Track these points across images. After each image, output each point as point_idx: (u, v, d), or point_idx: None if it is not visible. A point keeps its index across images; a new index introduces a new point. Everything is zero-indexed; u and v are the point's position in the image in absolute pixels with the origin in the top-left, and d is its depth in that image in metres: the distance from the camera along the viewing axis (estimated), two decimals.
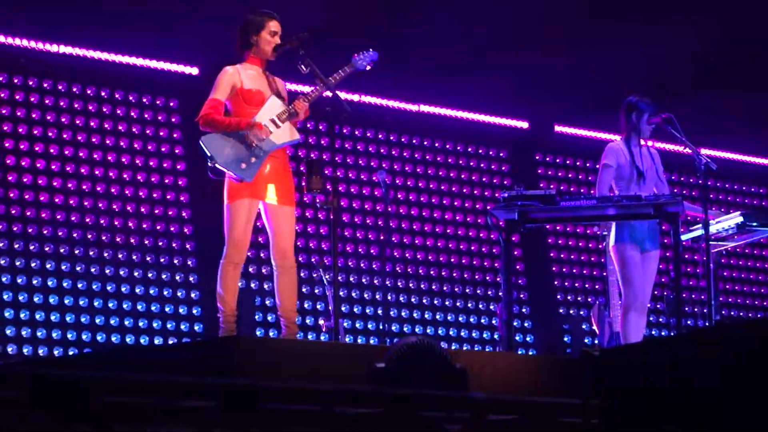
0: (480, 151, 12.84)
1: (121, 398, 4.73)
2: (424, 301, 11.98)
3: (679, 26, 11.08)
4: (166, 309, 10.67)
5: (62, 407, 4.53)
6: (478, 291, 12.29)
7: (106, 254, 10.48)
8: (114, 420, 4.52)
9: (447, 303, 12.09)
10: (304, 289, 11.09)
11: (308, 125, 11.29)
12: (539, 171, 13.14)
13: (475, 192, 12.65)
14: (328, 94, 7.60)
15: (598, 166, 8.66)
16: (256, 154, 7.45)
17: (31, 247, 10.21)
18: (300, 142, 7.78)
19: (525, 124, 13.04)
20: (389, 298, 11.08)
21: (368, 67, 7.77)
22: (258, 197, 7.48)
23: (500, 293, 10.54)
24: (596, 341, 10.03)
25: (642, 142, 8.54)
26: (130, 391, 4.75)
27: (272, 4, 7.80)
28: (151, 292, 10.63)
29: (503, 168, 12.92)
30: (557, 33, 11.25)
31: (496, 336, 11.80)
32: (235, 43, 7.73)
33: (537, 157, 13.21)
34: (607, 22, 11.06)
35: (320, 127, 11.54)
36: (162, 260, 10.74)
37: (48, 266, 10.24)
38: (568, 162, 13.32)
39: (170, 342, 10.46)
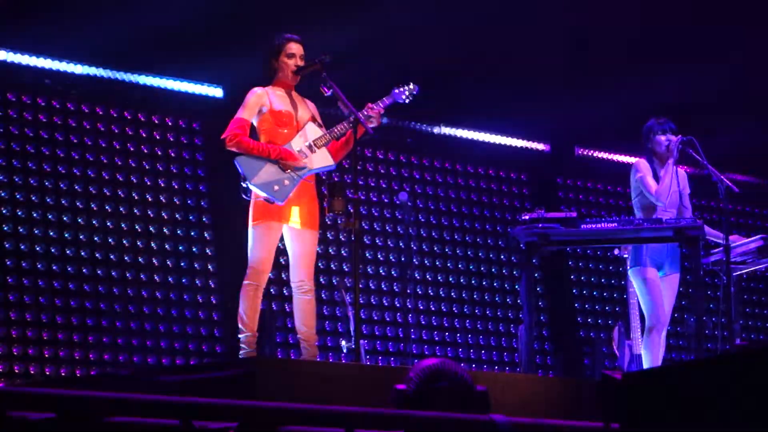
0: (501, 173, 12.85)
1: (143, 419, 4.76)
2: (445, 322, 11.98)
3: (700, 49, 11.08)
4: (188, 329, 10.70)
5: (84, 428, 4.55)
6: (499, 313, 12.28)
7: (128, 275, 10.52)
8: None
9: (468, 325, 12.09)
10: (324, 311, 11.11)
11: None
12: (560, 194, 13.14)
13: (496, 214, 12.66)
14: (342, 107, 7.65)
15: (631, 187, 8.61)
16: (290, 177, 7.49)
17: (54, 267, 10.26)
18: (334, 169, 7.81)
19: (546, 147, 13.05)
20: (410, 319, 11.09)
21: (407, 101, 7.81)
22: (282, 220, 7.51)
23: (521, 315, 10.55)
24: (616, 364, 10.01)
25: (671, 167, 8.49)
26: (152, 412, 4.77)
27: (297, 28, 7.85)
28: (173, 312, 10.66)
29: (524, 191, 12.93)
30: (578, 57, 11.27)
31: (516, 358, 11.79)
32: (259, 66, 7.80)
33: (558, 180, 13.22)
34: (628, 46, 11.07)
35: None
36: (183, 281, 10.77)
37: (70, 286, 10.27)
38: (588, 185, 13.32)
39: (191, 363, 10.48)
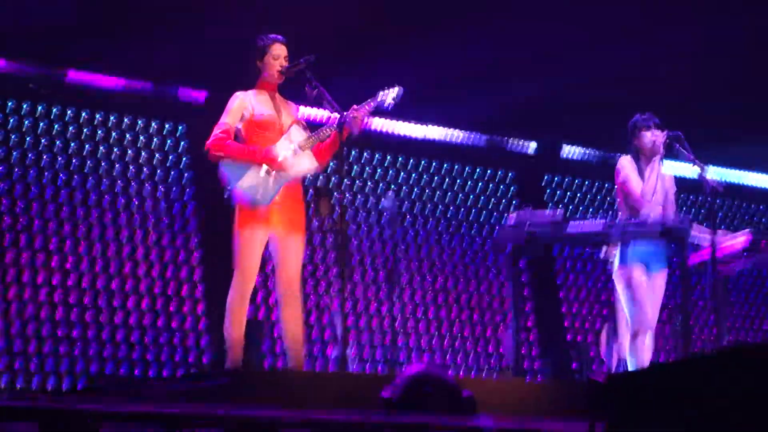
0: (488, 172, 12.83)
1: (129, 429, 4.74)
2: (432, 328, 11.95)
3: (691, 39, 11.04)
4: (174, 340, 10.63)
5: None
6: (485, 317, 12.24)
7: (113, 284, 10.45)
8: None
9: (454, 330, 12.05)
10: (311, 317, 11.06)
11: None
12: (547, 192, 13.13)
13: (483, 215, 12.63)
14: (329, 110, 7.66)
15: (616, 185, 8.58)
16: (275, 180, 7.47)
17: (39, 279, 10.18)
18: (319, 171, 7.79)
19: (533, 145, 13.05)
20: (396, 325, 11.07)
21: (392, 103, 7.75)
22: (267, 226, 7.47)
23: (508, 319, 10.52)
24: (604, 368, 9.99)
25: (657, 164, 8.46)
26: (138, 422, 4.76)
27: (280, 28, 7.82)
28: (159, 323, 10.58)
29: (511, 190, 12.92)
30: (563, 52, 11.24)
31: (503, 363, 11.76)
32: (243, 67, 7.77)
33: (545, 178, 13.21)
34: (613, 39, 11.05)
35: None
36: (169, 290, 10.70)
37: (55, 298, 10.21)
38: (576, 183, 13.32)
39: (178, 373, 10.42)
